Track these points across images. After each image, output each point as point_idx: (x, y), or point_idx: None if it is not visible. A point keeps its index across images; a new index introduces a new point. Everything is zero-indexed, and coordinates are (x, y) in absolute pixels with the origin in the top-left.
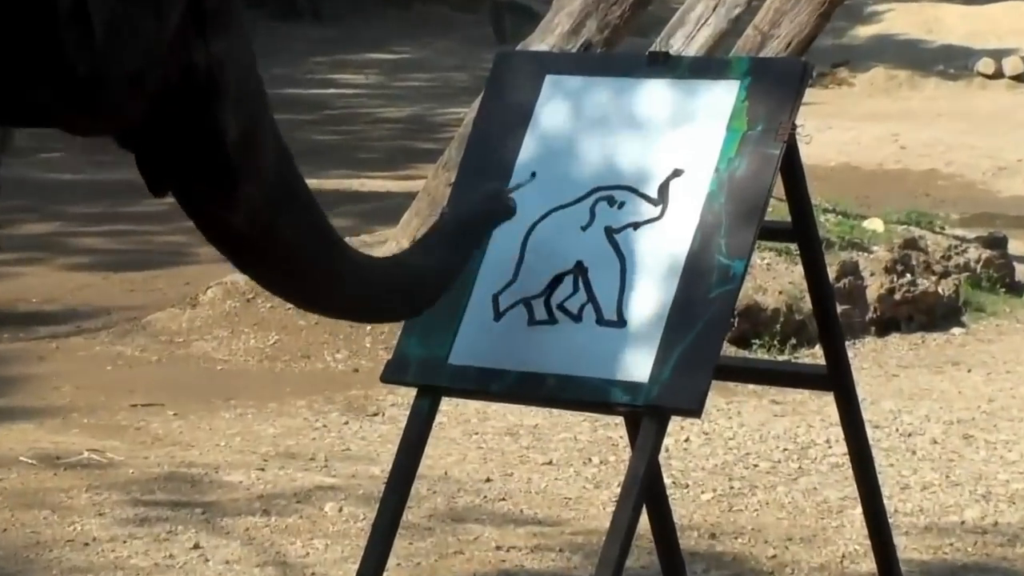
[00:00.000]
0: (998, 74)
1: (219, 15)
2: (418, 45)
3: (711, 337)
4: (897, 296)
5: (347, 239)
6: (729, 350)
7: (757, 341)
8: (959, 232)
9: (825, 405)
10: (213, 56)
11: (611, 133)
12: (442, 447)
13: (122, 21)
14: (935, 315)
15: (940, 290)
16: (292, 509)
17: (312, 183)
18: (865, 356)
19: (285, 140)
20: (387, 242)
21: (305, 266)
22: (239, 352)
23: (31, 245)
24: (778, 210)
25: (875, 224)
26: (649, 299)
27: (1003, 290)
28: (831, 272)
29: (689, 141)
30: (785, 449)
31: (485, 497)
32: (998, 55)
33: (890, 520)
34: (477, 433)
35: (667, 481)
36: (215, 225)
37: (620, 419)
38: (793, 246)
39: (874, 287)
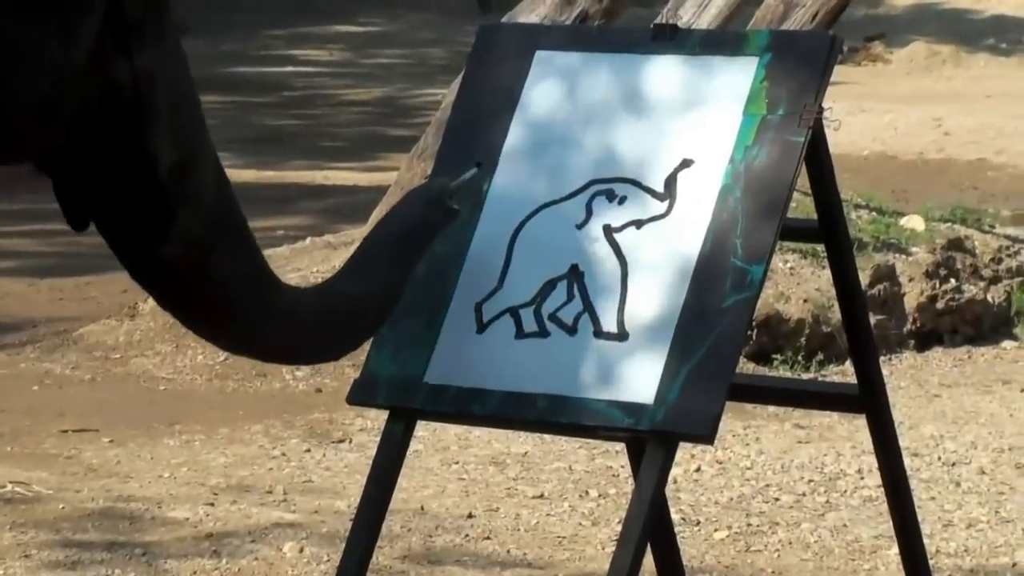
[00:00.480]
0: None
1: (145, 26)
2: (389, 17)
3: (725, 352)
4: (939, 305)
5: (308, 240)
6: (746, 367)
7: (778, 356)
8: (1011, 231)
9: (856, 430)
10: (140, 72)
11: (610, 118)
12: (417, 478)
13: (17, 46)
14: (983, 326)
15: (989, 298)
16: (246, 550)
17: (268, 176)
18: (903, 374)
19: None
20: (353, 243)
21: (237, 303)
22: (185, 370)
23: None
24: (802, 206)
25: (914, 222)
26: (654, 308)
27: None
28: (864, 277)
29: (700, 127)
30: (811, 480)
31: (467, 536)
32: None
33: (931, 562)
34: (457, 462)
35: (675, 517)
36: (143, 260)
37: (621, 446)
38: (820, 247)
39: (913, 294)
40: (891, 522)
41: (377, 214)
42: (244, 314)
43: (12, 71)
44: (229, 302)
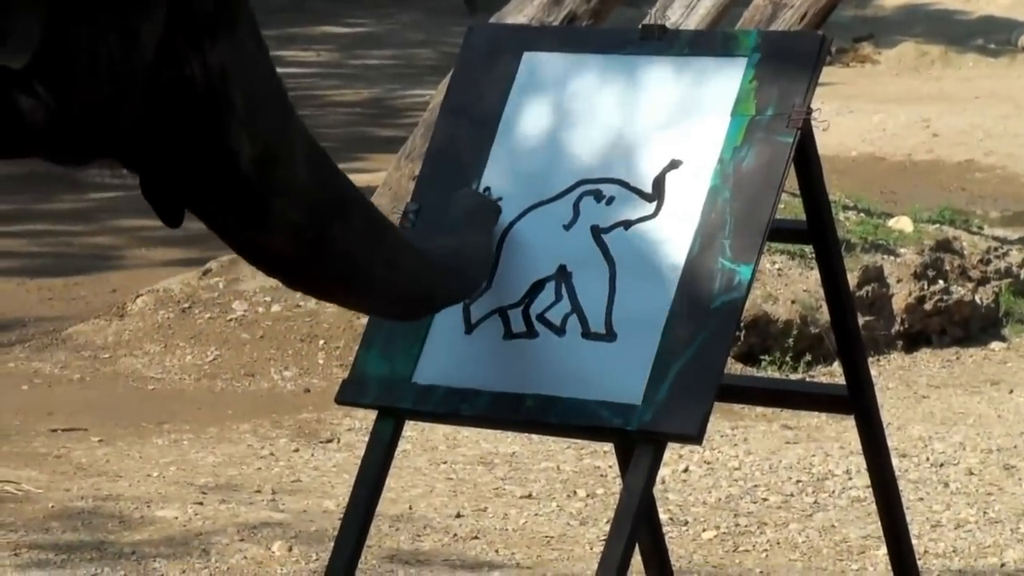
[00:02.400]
0: None
1: (216, 19)
2: (378, 17)
3: (713, 353)
4: (928, 306)
5: None
6: (735, 367)
7: (766, 357)
8: (999, 232)
9: (844, 431)
10: (212, 68)
11: (598, 119)
12: (406, 478)
13: (70, 45)
14: (971, 328)
15: (977, 299)
16: (235, 549)
17: None
18: (891, 374)
19: (317, 140)
20: None
21: (366, 268)
22: (173, 369)
23: None
24: (791, 207)
25: (903, 223)
26: (642, 309)
27: None
28: (852, 278)
29: (688, 128)
30: (799, 481)
31: (455, 536)
32: None
33: (919, 562)
34: (446, 462)
35: (663, 517)
36: (254, 249)
37: (609, 446)
38: (808, 248)
39: (901, 295)
40: (879, 523)
41: None
42: (374, 270)
43: (70, 74)
44: (360, 265)
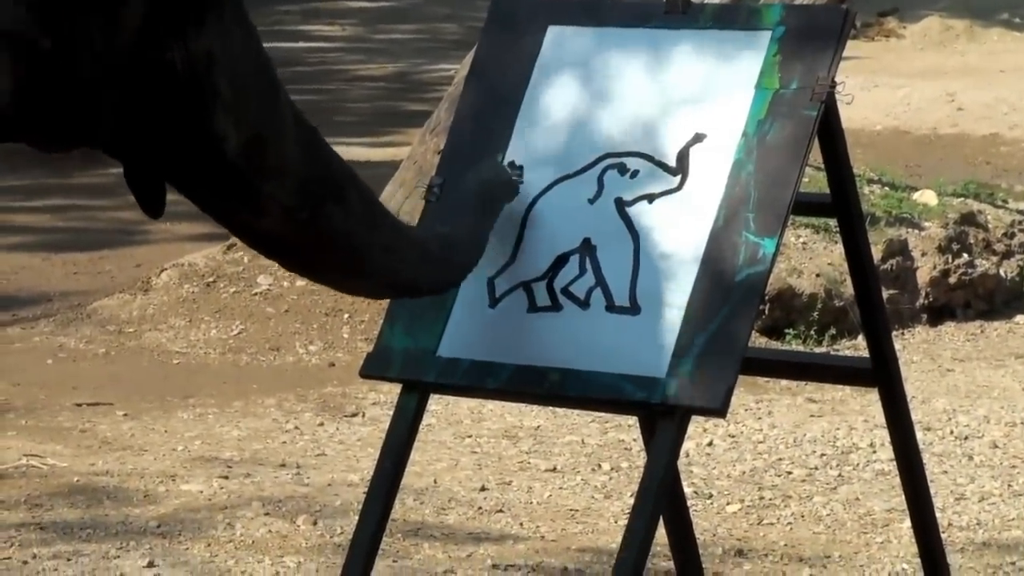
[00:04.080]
0: None
1: (202, 5)
2: None
3: (738, 326)
4: (952, 279)
5: None
6: (759, 341)
7: (791, 331)
8: None
9: (869, 404)
10: (196, 55)
11: (623, 92)
12: (431, 452)
13: (58, 31)
14: (995, 301)
15: (1002, 272)
16: (260, 523)
17: None
18: (915, 348)
19: (308, 121)
20: None
21: (364, 247)
22: (198, 343)
23: None
24: (815, 181)
25: (927, 197)
26: (666, 282)
27: None
28: (876, 252)
29: (713, 101)
30: (823, 454)
31: (480, 509)
32: None
33: (943, 535)
34: (470, 436)
35: (688, 490)
36: (249, 231)
37: (633, 420)
38: (832, 222)
39: (925, 269)
40: (903, 495)
41: (390, 189)
42: (372, 252)
43: (55, 56)
44: (356, 246)
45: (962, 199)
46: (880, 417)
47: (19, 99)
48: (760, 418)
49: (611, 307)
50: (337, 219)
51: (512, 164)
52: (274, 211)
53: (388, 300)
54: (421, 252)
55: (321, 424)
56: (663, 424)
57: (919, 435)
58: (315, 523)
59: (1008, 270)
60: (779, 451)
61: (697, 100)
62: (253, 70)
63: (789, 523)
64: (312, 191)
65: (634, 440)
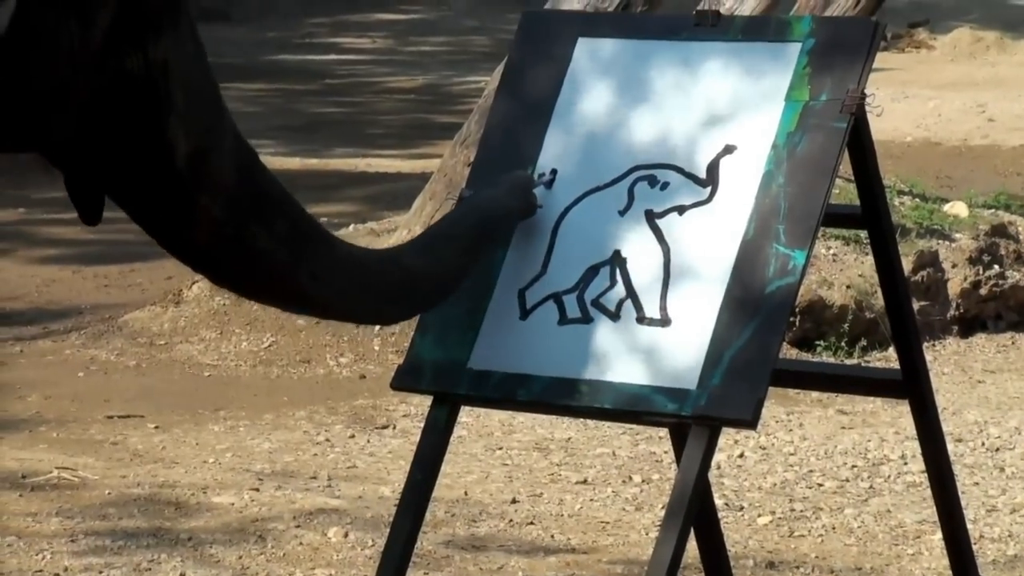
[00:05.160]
0: None
1: (163, 15)
2: (432, 4)
3: (768, 338)
4: (983, 291)
5: (352, 227)
6: (789, 352)
7: (821, 342)
8: None
9: (900, 416)
10: (154, 63)
11: (653, 104)
12: (461, 464)
13: (37, 27)
14: None
15: None
16: (291, 535)
17: (312, 163)
18: (946, 359)
19: (246, 139)
20: (397, 230)
21: (287, 271)
22: (229, 356)
23: None
24: (845, 192)
25: (958, 208)
26: (697, 294)
27: None
28: (907, 263)
29: (743, 113)
30: (854, 466)
31: (511, 521)
32: None
33: (974, 547)
34: (501, 448)
35: (719, 502)
36: (177, 242)
37: (664, 432)
38: (863, 234)
39: (956, 280)
40: (935, 507)
41: (420, 201)
42: (296, 280)
43: (30, 53)
44: (277, 271)
45: (993, 211)
46: (911, 429)
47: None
48: (791, 430)
49: (641, 319)
50: (262, 238)
51: (543, 176)
52: (204, 224)
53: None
54: (369, 287)
55: (352, 436)
56: (694, 436)
57: (950, 447)
58: (346, 535)
59: None
60: (810, 463)
61: (727, 112)
62: (203, 84)
63: (820, 535)
64: (241, 208)
65: (665, 452)
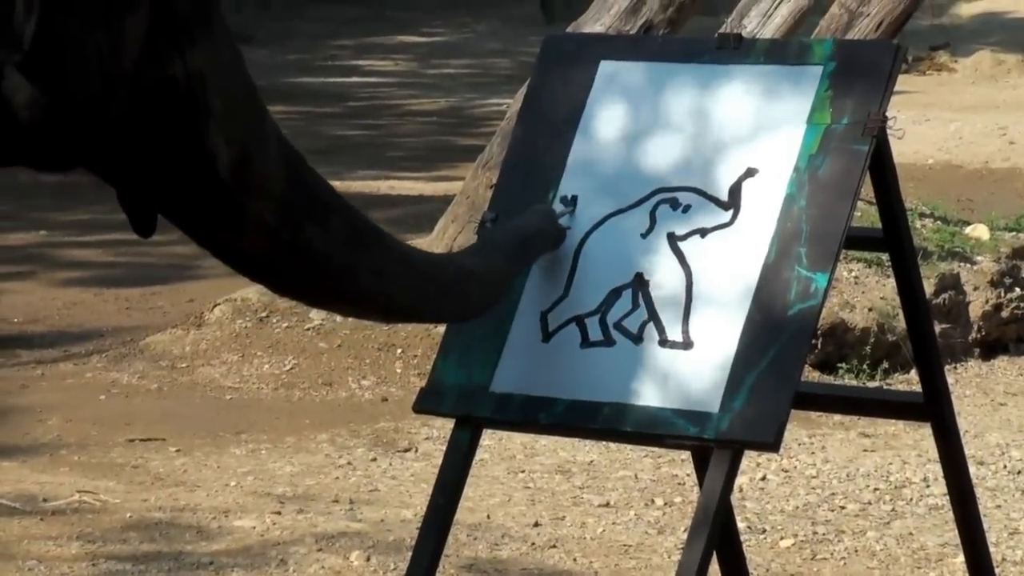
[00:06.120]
0: None
1: (195, 22)
2: (455, 26)
3: (790, 360)
4: (1005, 313)
5: None
6: (812, 375)
7: (843, 365)
8: None
9: (922, 438)
10: (191, 70)
11: (675, 127)
12: (484, 487)
13: (63, 41)
14: None
15: None
16: (313, 559)
17: (335, 185)
18: (968, 382)
19: (291, 142)
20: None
21: (349, 271)
22: (251, 379)
23: (11, 258)
24: (867, 215)
25: (979, 231)
26: (719, 317)
27: None
28: (928, 286)
29: (764, 136)
30: (876, 489)
31: (533, 544)
32: None
33: (997, 570)
34: (524, 471)
35: (741, 525)
36: (231, 251)
37: (687, 455)
38: (884, 256)
39: (978, 303)
40: (957, 530)
41: (443, 224)
42: (359, 277)
43: (58, 67)
44: (337, 273)
45: (1014, 233)
46: (933, 452)
47: (32, 116)
48: (813, 453)
49: (664, 342)
50: (318, 240)
51: (565, 199)
52: (257, 230)
53: (442, 334)
54: (427, 280)
55: (374, 459)
56: (716, 459)
57: (972, 469)
58: (368, 559)
59: None
60: (832, 486)
61: (749, 135)
62: (241, 89)
63: (843, 558)
64: (294, 211)
65: (687, 475)
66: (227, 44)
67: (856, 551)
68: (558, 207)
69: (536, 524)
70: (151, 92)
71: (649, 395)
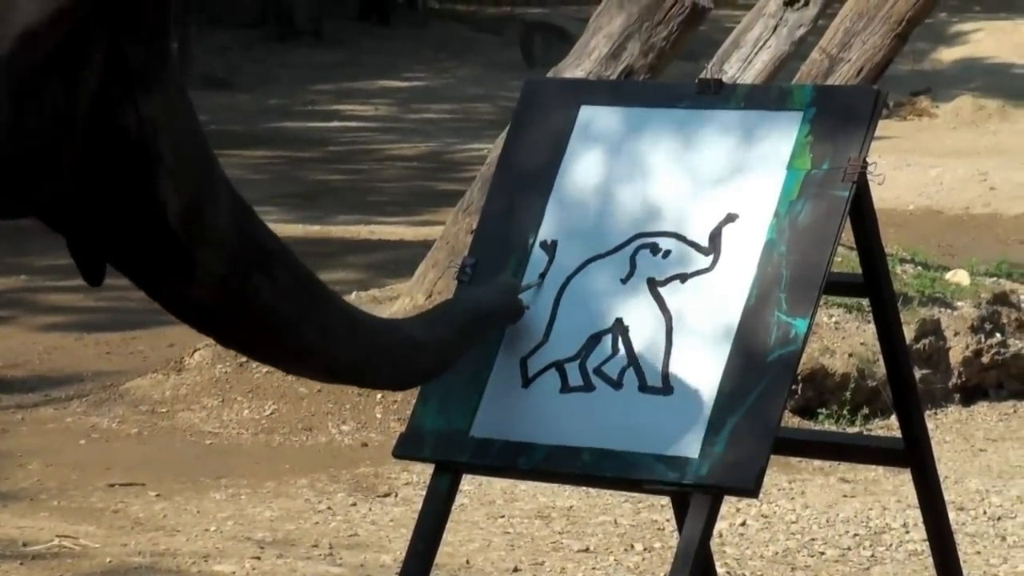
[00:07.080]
0: None
1: (149, 73)
2: (435, 71)
3: (770, 406)
4: (985, 359)
5: (354, 294)
6: (792, 420)
7: (823, 411)
8: None
9: (901, 484)
10: (144, 120)
11: (655, 172)
12: (463, 532)
13: (19, 91)
14: None
15: None
16: None
17: (314, 230)
18: (948, 428)
19: (241, 194)
20: (399, 298)
21: (294, 326)
22: (231, 424)
23: None
24: (847, 260)
25: (960, 277)
26: (699, 362)
27: None
28: (908, 332)
29: (744, 182)
30: (856, 534)
31: None
32: None
33: None
34: (503, 516)
35: (721, 571)
36: (180, 301)
37: (667, 500)
38: (864, 302)
39: (958, 349)
40: None
41: (423, 268)
42: (301, 336)
43: (18, 117)
44: (282, 327)
45: (995, 279)
46: (913, 497)
47: None
48: (793, 498)
49: (644, 387)
50: (264, 291)
51: (545, 243)
52: (206, 278)
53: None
54: (371, 342)
55: (354, 504)
56: (696, 504)
57: (952, 515)
58: None
59: None
60: (812, 531)
61: (729, 180)
62: (192, 139)
63: None
64: (241, 260)
65: (667, 520)
66: (179, 95)
67: None
68: (526, 279)
69: (516, 569)
70: (103, 140)
71: (628, 440)
